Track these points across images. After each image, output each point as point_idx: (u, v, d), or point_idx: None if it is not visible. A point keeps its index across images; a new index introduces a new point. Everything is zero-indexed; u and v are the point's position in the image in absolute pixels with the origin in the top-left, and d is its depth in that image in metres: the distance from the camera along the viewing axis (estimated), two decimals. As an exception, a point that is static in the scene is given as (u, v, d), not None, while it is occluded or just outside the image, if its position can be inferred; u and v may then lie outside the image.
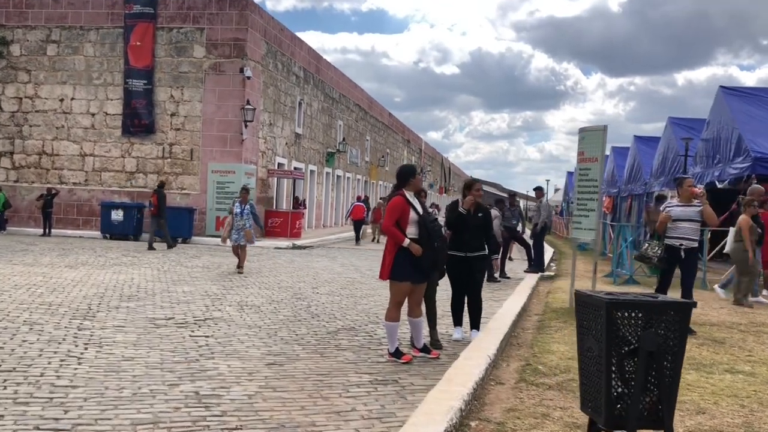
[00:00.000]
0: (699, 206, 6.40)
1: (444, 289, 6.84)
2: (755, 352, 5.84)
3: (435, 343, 5.98)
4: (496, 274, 10.60)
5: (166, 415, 3.94)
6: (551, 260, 16.03)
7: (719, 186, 13.88)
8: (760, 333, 6.81)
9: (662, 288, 6.40)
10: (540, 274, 12.09)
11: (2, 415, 3.81)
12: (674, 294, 6.99)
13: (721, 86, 14.89)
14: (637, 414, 2.72)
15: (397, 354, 5.44)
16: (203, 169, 20.09)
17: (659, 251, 6.28)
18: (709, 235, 11.70)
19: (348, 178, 33.24)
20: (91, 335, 5.98)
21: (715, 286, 9.83)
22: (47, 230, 18.86)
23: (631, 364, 2.77)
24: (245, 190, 11.77)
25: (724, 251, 10.01)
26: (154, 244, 15.87)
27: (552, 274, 12.71)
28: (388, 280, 5.50)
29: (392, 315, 5.45)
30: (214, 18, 20.29)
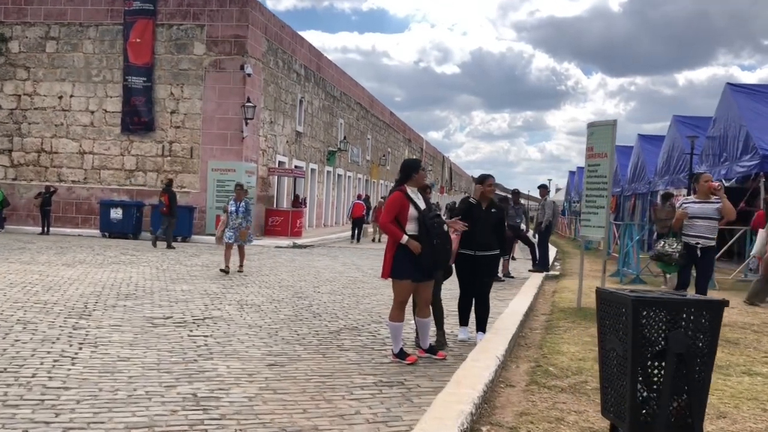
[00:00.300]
0: (716, 203, 6.22)
1: (448, 288, 6.66)
2: (771, 354, 5.66)
3: (440, 344, 5.80)
4: (500, 274, 10.41)
5: (162, 419, 3.76)
6: (555, 259, 15.84)
7: (726, 184, 13.70)
8: (774, 333, 6.63)
9: (682, 286, 6.21)
10: (545, 273, 11.91)
11: (-10, 419, 3.63)
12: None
13: (728, 83, 14.71)
14: (664, 420, 2.54)
15: (401, 355, 5.27)
16: (203, 167, 19.91)
17: (679, 247, 6.09)
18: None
19: (349, 177, 33.06)
20: (86, 335, 5.81)
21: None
22: (46, 228, 18.70)
23: (658, 367, 2.59)
24: (240, 186, 11.26)
25: (753, 253, 9.79)
26: (157, 242, 15.85)
27: (557, 273, 12.53)
28: (390, 279, 5.31)
29: (395, 315, 5.26)
30: (214, 15, 20.11)
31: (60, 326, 6.08)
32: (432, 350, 5.38)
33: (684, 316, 2.59)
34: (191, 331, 6.18)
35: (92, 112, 20.66)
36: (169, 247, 15.61)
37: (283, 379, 4.68)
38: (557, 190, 59.97)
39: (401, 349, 5.29)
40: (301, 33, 25.52)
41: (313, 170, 27.10)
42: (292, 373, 4.85)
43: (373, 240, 22.60)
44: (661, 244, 6.24)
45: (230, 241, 10.72)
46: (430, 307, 5.39)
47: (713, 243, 6.37)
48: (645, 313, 2.59)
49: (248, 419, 3.81)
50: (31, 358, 4.92)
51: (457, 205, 6.30)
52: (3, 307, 6.87)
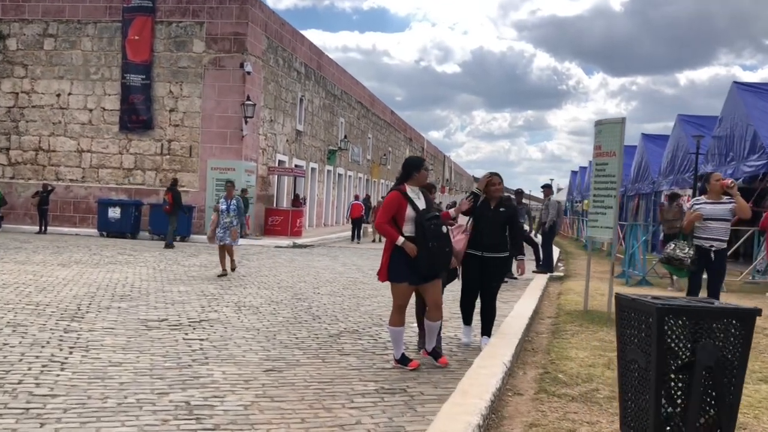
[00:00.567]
0: (729, 203, 6.00)
1: (450, 290, 6.46)
2: (786, 359, 5.47)
3: (436, 354, 5.54)
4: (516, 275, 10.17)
5: (152, 429, 3.57)
6: (558, 260, 15.65)
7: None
8: (787, 338, 6.43)
9: (694, 292, 5.99)
10: (549, 274, 11.72)
11: (-30, 429, 3.44)
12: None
13: (735, 82, 14.51)
14: (690, 438, 2.34)
15: (403, 360, 5.06)
16: (202, 166, 19.72)
17: (691, 252, 5.85)
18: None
19: (349, 176, 32.87)
20: (78, 338, 5.61)
21: None
22: (43, 228, 18.52)
23: (684, 381, 2.39)
24: (230, 183, 10.74)
25: None
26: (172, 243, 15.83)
27: (561, 274, 12.33)
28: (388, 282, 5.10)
29: (395, 319, 5.04)
30: (213, 12, 19.91)
31: (51, 329, 5.89)
32: (435, 354, 5.14)
33: (713, 325, 2.39)
34: (186, 334, 5.99)
35: (90, 110, 20.47)
36: (168, 246, 15.45)
37: (280, 386, 4.49)
38: (558, 190, 59.73)
39: (403, 355, 5.09)
40: (302, 32, 25.33)
41: (313, 169, 26.91)
42: (291, 379, 4.66)
43: (374, 240, 22.40)
44: (671, 247, 6.00)
45: (222, 243, 10.24)
46: (442, 310, 5.11)
47: (725, 245, 6.16)
48: (671, 322, 2.39)
49: (243, 429, 3.62)
50: (18, 363, 4.73)
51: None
52: (-7, 308, 6.68)
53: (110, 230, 18.51)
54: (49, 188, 19.24)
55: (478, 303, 5.87)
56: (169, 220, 16.16)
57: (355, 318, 7.21)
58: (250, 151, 20.32)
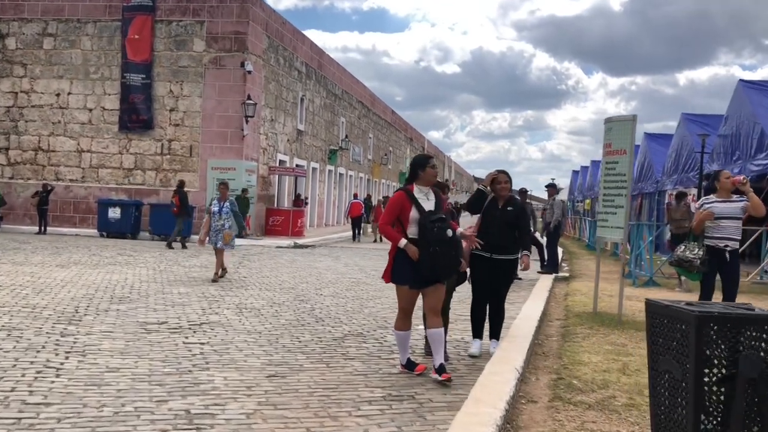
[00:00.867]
0: (741, 201, 5.81)
1: (457, 291, 6.29)
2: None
3: (441, 367, 5.30)
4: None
5: (150, 440, 3.41)
6: (561, 260, 15.48)
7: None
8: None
9: (707, 295, 5.80)
10: (554, 275, 11.55)
11: (-40, 440, 3.28)
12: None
13: (741, 80, 14.34)
14: (730, 455, 2.18)
15: (409, 365, 4.88)
16: (203, 165, 19.56)
17: (700, 253, 5.66)
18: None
19: (350, 176, 32.71)
20: (75, 342, 5.45)
21: None
22: (43, 228, 18.37)
23: (724, 394, 2.23)
24: (223, 184, 10.14)
25: None
26: (185, 244, 15.74)
27: (566, 275, 12.16)
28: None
29: (399, 323, 4.83)
30: (214, 11, 19.75)
31: (47, 333, 5.72)
32: (441, 369, 4.66)
33: (757, 334, 2.22)
34: (187, 337, 5.83)
35: (90, 110, 20.32)
36: (169, 246, 15.31)
37: (284, 393, 4.32)
38: (559, 189, 59.46)
39: (408, 359, 4.91)
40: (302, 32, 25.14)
41: (314, 169, 26.75)
42: (294, 385, 4.50)
43: (375, 240, 22.23)
44: (681, 249, 5.79)
45: (217, 246, 9.71)
46: (440, 318, 4.83)
47: (738, 244, 5.98)
48: (710, 331, 2.22)
49: (246, 440, 3.46)
50: (12, 369, 4.56)
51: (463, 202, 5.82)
52: (-11, 311, 6.52)
53: (110, 230, 18.36)
54: (49, 188, 19.09)
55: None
56: (176, 221, 16.05)
57: (359, 320, 7.05)
58: (251, 151, 20.17)
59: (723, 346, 2.23)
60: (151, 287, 8.80)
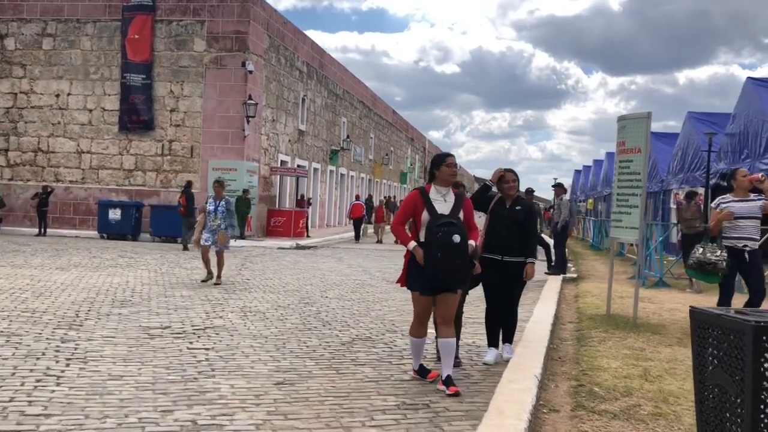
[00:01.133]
0: (759, 200, 5.64)
1: (468, 296, 6.12)
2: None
3: (448, 379, 5.12)
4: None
5: (156, 453, 3.24)
6: (567, 261, 15.31)
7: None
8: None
9: (726, 298, 5.63)
10: (562, 275, 11.39)
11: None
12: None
13: (749, 77, 14.16)
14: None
15: (421, 372, 4.70)
16: (204, 166, 19.40)
17: (724, 254, 5.46)
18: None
19: (352, 176, 32.55)
20: (76, 348, 5.28)
21: None
22: (42, 230, 18.21)
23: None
24: (219, 183, 9.71)
25: None
26: (187, 246, 15.55)
27: (574, 276, 11.99)
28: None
29: (414, 330, 4.61)
30: (215, 10, 19.59)
31: (47, 338, 5.55)
32: (448, 381, 4.41)
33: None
34: (191, 343, 5.66)
35: (90, 111, 20.15)
36: (185, 249, 15.21)
37: (293, 401, 4.15)
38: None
39: (421, 365, 4.73)
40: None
41: (315, 169, 26.59)
42: (304, 393, 4.33)
43: (377, 241, 22.05)
44: (700, 251, 5.58)
45: (207, 244, 9.36)
46: (452, 328, 4.54)
47: (758, 244, 5.80)
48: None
49: (256, 453, 3.29)
50: (11, 377, 4.39)
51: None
52: (-13, 316, 6.35)
53: (111, 232, 18.20)
54: (49, 190, 18.93)
55: None
56: (183, 222, 15.93)
57: (366, 323, 6.88)
58: (252, 152, 20.00)
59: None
60: (153, 290, 8.64)
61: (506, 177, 5.28)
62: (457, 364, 5.08)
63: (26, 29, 20.44)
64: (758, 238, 5.72)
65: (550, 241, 13.22)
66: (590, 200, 34.04)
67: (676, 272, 11.58)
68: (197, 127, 19.62)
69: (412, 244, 4.43)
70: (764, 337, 2.04)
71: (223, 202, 9.49)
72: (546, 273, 11.76)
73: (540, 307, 7.43)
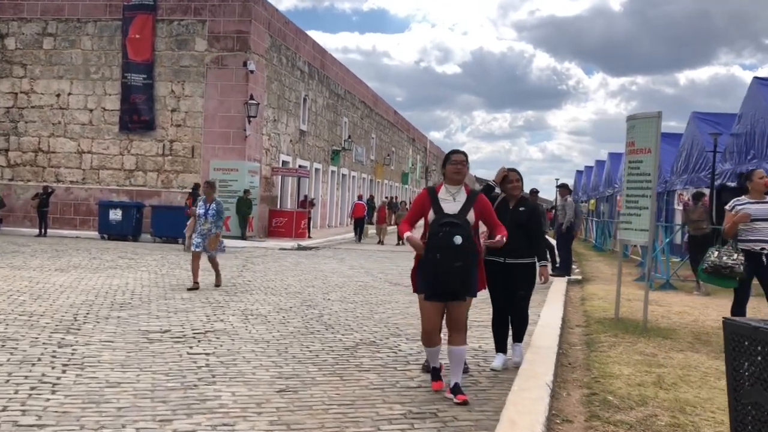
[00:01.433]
0: None
1: (476, 301, 5.97)
2: None
3: (428, 364, 4.86)
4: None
5: (154, 466, 3.11)
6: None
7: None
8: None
9: (741, 303, 5.48)
10: (567, 277, 11.24)
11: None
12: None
13: (756, 77, 14.02)
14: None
15: (433, 373, 4.48)
16: (205, 166, 19.28)
17: (741, 258, 5.31)
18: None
19: (353, 176, 32.41)
20: (73, 353, 5.15)
21: None
22: (43, 230, 18.10)
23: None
24: (209, 185, 9.18)
25: None
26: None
27: (579, 277, 11.85)
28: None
29: (422, 338, 4.38)
30: (216, 10, 19.48)
31: (44, 343, 5.42)
32: (456, 389, 4.27)
33: None
34: (191, 347, 5.53)
35: (91, 111, 20.04)
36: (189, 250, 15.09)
37: (296, 410, 4.02)
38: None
39: (435, 368, 4.48)
40: (304, 30, 24.83)
41: (317, 170, 26.46)
42: (307, 401, 4.19)
43: (379, 242, 21.90)
44: (715, 255, 5.41)
45: (197, 250, 8.93)
46: (465, 335, 4.36)
47: None
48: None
49: (258, 466, 3.15)
50: (5, 384, 4.26)
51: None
52: (-16, 319, 6.22)
53: (111, 233, 18.08)
54: (49, 190, 18.82)
55: None
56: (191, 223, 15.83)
57: (370, 327, 6.75)
58: (254, 152, 19.88)
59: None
60: (153, 292, 8.51)
61: (510, 177, 5.13)
62: (464, 369, 4.94)
63: (27, 29, 20.34)
64: None
65: (554, 242, 13.07)
66: (592, 201, 33.86)
67: (682, 274, 11.44)
68: (198, 127, 19.50)
69: (407, 234, 4.25)
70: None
71: (213, 205, 8.98)
72: (550, 275, 11.61)
73: (547, 310, 7.29)
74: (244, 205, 18.56)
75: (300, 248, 17.54)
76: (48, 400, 4.01)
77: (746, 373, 2.14)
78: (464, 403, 4.16)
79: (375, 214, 24.39)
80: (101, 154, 19.96)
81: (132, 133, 19.76)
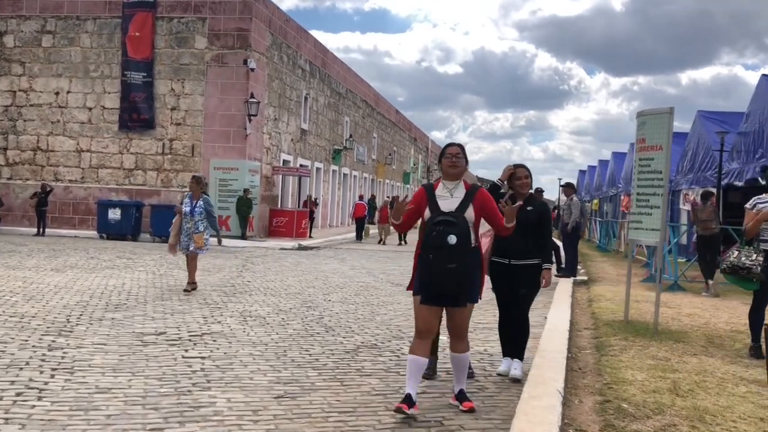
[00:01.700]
0: None
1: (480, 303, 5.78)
2: None
3: (429, 372, 4.64)
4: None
5: (141, 480, 2.91)
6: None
7: (763, 182, 12.77)
8: None
9: (759, 307, 5.28)
10: (572, 278, 11.04)
11: None
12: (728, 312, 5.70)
13: (764, 74, 13.80)
14: None
15: (405, 397, 3.82)
16: (205, 165, 19.09)
17: (760, 259, 5.10)
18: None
19: (355, 176, 32.22)
20: (63, 357, 4.96)
21: None
22: (41, 230, 17.93)
23: None
24: (196, 181, 8.65)
25: None
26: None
27: (585, 278, 11.64)
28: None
29: (412, 345, 3.97)
30: (216, 7, 19.29)
31: (33, 346, 5.23)
32: (461, 396, 4.06)
33: None
34: (186, 350, 5.33)
35: (90, 109, 19.86)
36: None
37: (295, 417, 3.83)
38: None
39: (407, 394, 3.82)
40: (305, 30, 24.65)
41: (318, 169, 26.27)
42: (306, 408, 4.00)
43: (379, 242, 21.71)
44: (734, 255, 5.21)
45: (188, 252, 8.51)
46: (467, 341, 4.08)
47: None
48: None
49: (253, 480, 2.96)
50: (-11, 390, 4.08)
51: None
52: (-27, 321, 6.03)
53: (110, 232, 17.91)
54: (48, 189, 18.65)
55: None
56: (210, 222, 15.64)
57: (371, 329, 6.55)
58: (254, 151, 19.69)
59: None
60: (149, 293, 8.32)
61: (518, 173, 4.84)
62: (470, 375, 4.74)
63: (25, 26, 20.16)
64: None
65: (559, 243, 12.88)
66: (595, 201, 33.63)
67: (689, 275, 11.23)
68: (198, 125, 19.32)
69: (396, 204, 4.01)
70: None
71: (200, 202, 8.46)
72: (555, 275, 11.41)
73: (554, 312, 7.09)
74: (244, 205, 18.38)
75: (301, 248, 17.35)
76: (33, 407, 3.81)
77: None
78: (471, 410, 3.96)
79: (377, 213, 24.19)
80: (100, 152, 19.79)
81: (131, 132, 19.58)
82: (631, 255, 8.08)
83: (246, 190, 18.45)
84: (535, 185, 5.54)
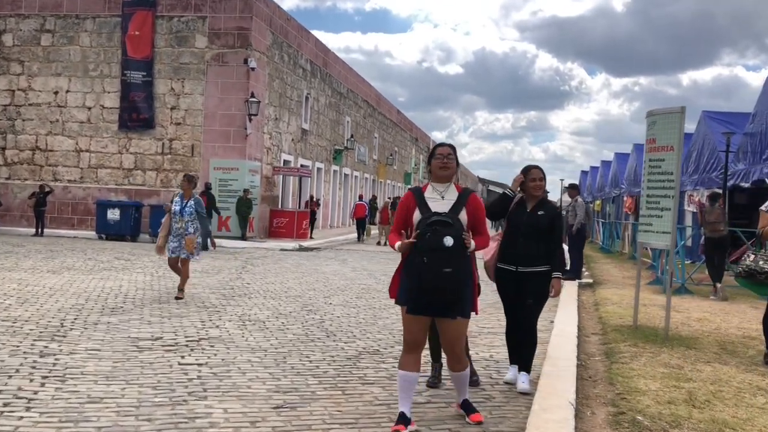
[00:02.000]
0: None
1: (483, 305, 5.62)
2: None
3: (433, 380, 4.57)
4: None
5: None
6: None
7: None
8: None
9: None
10: (578, 281, 10.86)
11: None
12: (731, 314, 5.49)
13: (771, 75, 13.60)
14: None
15: (399, 417, 3.63)
16: (205, 165, 18.94)
17: None
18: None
19: (356, 176, 32.05)
20: (55, 364, 4.79)
21: None
22: (40, 230, 17.78)
23: None
24: (187, 179, 8.22)
25: None
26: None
27: (590, 281, 11.47)
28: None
29: (402, 358, 3.73)
30: (216, 6, 19.13)
31: (25, 352, 5.06)
32: (467, 407, 3.87)
33: None
34: (183, 357, 5.17)
35: (89, 109, 19.70)
36: (204, 248, 14.72)
37: (294, 429, 3.67)
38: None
39: (401, 413, 3.64)
40: (306, 30, 24.48)
41: (319, 169, 26.10)
42: (306, 419, 3.83)
43: (379, 243, 21.54)
44: (751, 258, 5.04)
45: (173, 256, 7.96)
46: (465, 359, 3.81)
47: None
48: None
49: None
50: (-25, 400, 3.91)
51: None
52: (-36, 325, 5.87)
53: (109, 232, 17.75)
54: (47, 189, 18.49)
55: None
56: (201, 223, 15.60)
57: (373, 334, 6.38)
58: (255, 151, 19.53)
59: None
60: (147, 295, 8.15)
61: (533, 173, 4.54)
62: (475, 382, 4.57)
63: (24, 25, 20.01)
64: None
65: (565, 246, 12.69)
66: (598, 202, 33.45)
67: (696, 278, 11.06)
68: (198, 125, 19.16)
69: (398, 243, 3.65)
70: None
71: (191, 202, 8.03)
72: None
73: (560, 316, 6.91)
74: (243, 205, 18.22)
75: (301, 249, 17.19)
76: (21, 418, 3.65)
77: None
78: (479, 423, 3.78)
79: (378, 214, 24.03)
80: (99, 152, 19.63)
81: (131, 132, 19.42)
82: (640, 258, 7.89)
83: (246, 191, 18.29)
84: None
